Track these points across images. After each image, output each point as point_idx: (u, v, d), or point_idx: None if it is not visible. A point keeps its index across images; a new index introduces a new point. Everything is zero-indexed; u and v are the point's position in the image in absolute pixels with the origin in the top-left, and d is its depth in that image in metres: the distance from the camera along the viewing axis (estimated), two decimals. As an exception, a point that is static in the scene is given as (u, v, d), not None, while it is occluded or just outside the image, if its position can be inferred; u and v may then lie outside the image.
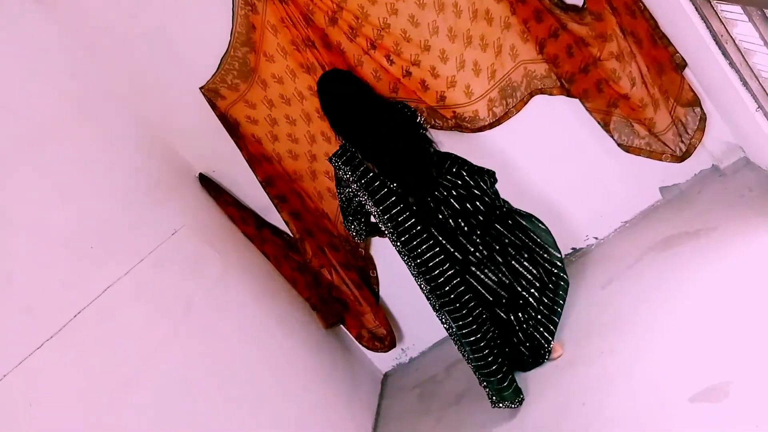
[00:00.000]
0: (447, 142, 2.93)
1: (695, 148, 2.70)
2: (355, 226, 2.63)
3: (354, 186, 2.46)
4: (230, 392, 2.45)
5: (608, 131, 2.79)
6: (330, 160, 2.50)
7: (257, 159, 3.06)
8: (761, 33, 1.71)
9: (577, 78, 2.73)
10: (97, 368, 1.96)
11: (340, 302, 3.26)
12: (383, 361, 3.53)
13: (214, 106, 2.98)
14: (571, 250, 3.18)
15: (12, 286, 1.86)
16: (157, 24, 2.85)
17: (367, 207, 2.49)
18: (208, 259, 2.86)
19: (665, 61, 2.57)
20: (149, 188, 2.78)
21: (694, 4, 1.99)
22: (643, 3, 2.50)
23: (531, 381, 2.55)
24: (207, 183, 3.11)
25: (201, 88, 2.94)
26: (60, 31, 2.79)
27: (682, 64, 2.56)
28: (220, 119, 3.00)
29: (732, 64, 2.04)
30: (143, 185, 2.75)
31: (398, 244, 2.49)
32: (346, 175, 2.46)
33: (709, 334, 2.06)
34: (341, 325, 3.34)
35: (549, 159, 3.00)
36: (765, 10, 1.74)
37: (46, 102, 2.46)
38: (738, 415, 1.72)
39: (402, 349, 3.48)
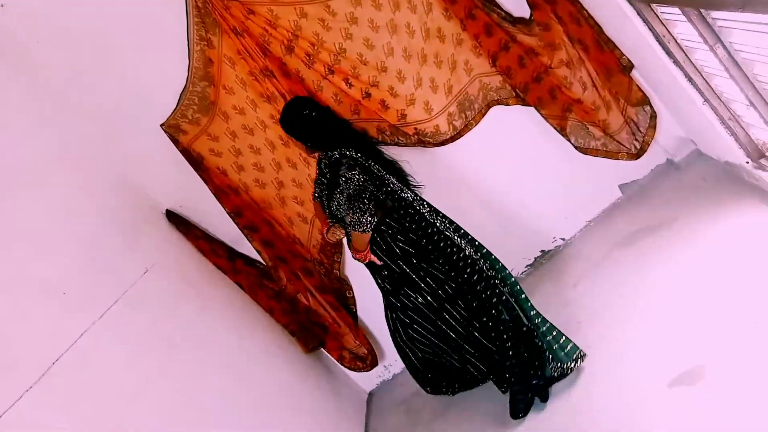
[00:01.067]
0: (412, 157, 2.99)
1: (649, 145, 2.81)
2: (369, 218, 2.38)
3: (368, 183, 2.38)
4: (216, 419, 2.43)
5: (565, 135, 2.88)
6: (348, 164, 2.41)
7: (224, 191, 3.06)
8: (700, 31, 1.82)
9: (531, 87, 2.83)
10: (80, 415, 1.93)
11: (319, 326, 3.26)
12: (367, 380, 3.54)
13: (176, 142, 2.98)
14: (540, 253, 3.27)
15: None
16: (118, 67, 2.84)
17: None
18: (184, 295, 2.84)
19: (612, 64, 2.68)
20: (119, 229, 2.75)
21: (635, 8, 2.09)
22: (586, 11, 2.61)
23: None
24: (175, 218, 3.09)
25: (162, 125, 2.94)
26: (20, 82, 2.76)
27: (629, 66, 2.68)
28: (183, 154, 3.00)
29: (676, 62, 2.15)
30: (113, 226, 2.72)
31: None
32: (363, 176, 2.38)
33: (680, 322, 2.15)
34: (322, 348, 3.33)
35: (511, 166, 3.09)
36: (701, 10, 1.85)
37: (14, 153, 2.44)
38: (714, 394, 1.79)
39: (384, 366, 3.49)
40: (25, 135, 2.57)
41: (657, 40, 2.15)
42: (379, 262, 2.47)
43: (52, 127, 2.76)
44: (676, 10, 1.95)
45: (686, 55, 2.11)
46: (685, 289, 2.26)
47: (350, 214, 2.35)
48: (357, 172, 2.35)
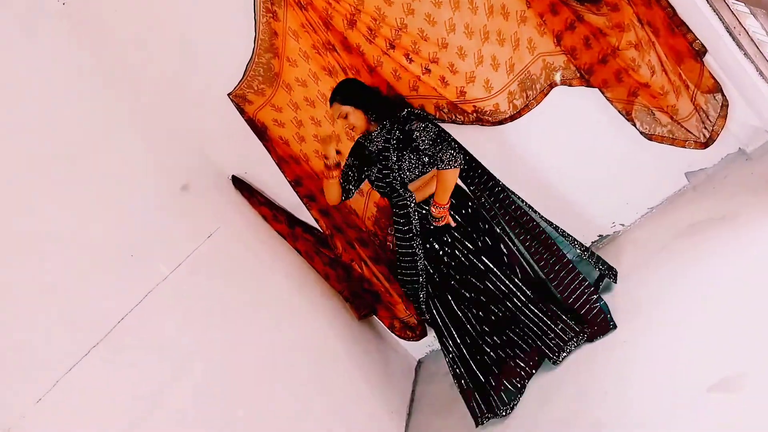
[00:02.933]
0: (469, 135, 2.99)
1: (718, 134, 2.68)
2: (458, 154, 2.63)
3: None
4: (270, 381, 2.59)
5: (630, 120, 2.78)
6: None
7: (286, 160, 3.17)
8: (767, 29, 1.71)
9: (596, 69, 2.73)
10: (141, 370, 2.11)
11: (371, 294, 3.36)
12: (417, 348, 3.64)
13: (242, 111, 3.10)
14: (598, 237, 3.20)
15: (57, 299, 2.01)
16: (183, 35, 2.96)
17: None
18: (244, 259, 3.00)
19: (684, 48, 2.55)
20: (186, 194, 2.91)
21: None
22: (659, -9, 2.48)
23: (553, 368, 2.61)
24: (240, 184, 3.24)
25: (229, 95, 3.06)
26: (89, 47, 2.92)
27: (702, 51, 2.53)
28: (248, 123, 3.11)
29: (747, 55, 2.03)
30: (178, 191, 2.89)
31: None
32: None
33: (729, 324, 2.08)
34: (374, 316, 3.44)
35: (571, 148, 3.01)
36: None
37: (79, 118, 2.60)
38: (753, 406, 1.75)
39: (434, 337, 3.56)
40: (89, 101, 2.73)
41: (727, 31, 2.03)
42: (453, 224, 2.64)
43: (119, 91, 2.92)
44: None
45: (758, 48, 1.98)
46: (740, 291, 2.18)
47: (443, 153, 2.50)
48: (430, 121, 2.62)
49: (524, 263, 2.76)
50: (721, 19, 1.99)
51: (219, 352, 2.47)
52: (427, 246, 2.73)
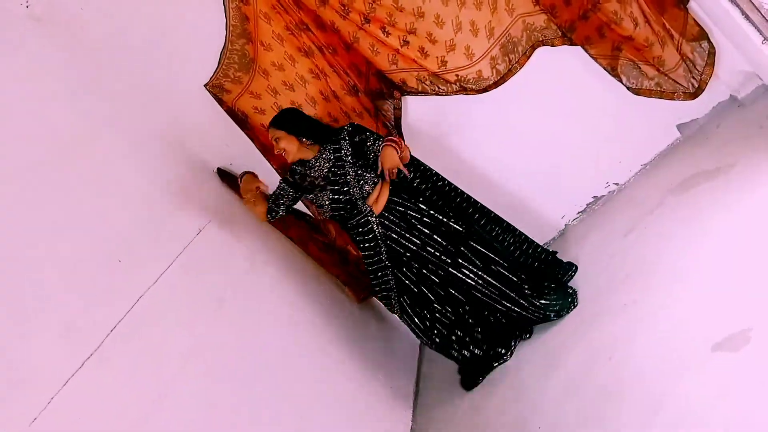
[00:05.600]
0: (453, 105, 2.93)
1: (706, 83, 2.61)
2: None
3: None
4: (272, 375, 2.55)
5: (616, 76, 2.72)
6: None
7: (269, 148, 3.10)
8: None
9: (578, 25, 2.65)
10: (139, 377, 2.07)
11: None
12: (420, 327, 3.60)
13: (220, 102, 3.03)
14: (593, 199, 3.16)
15: (46, 311, 1.96)
16: (154, 29, 2.87)
17: None
18: (237, 252, 2.94)
19: (666, -4, 2.47)
20: (170, 191, 2.84)
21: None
22: (635, -61, 2.39)
23: (557, 335, 2.57)
24: (225, 176, 3.17)
25: (206, 85, 2.98)
26: (63, 48, 2.84)
27: (685, -2, 2.46)
28: (228, 113, 3.04)
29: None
30: (164, 189, 2.82)
31: None
32: None
33: (731, 279, 2.03)
34: (373, 297, 3.40)
35: (559, 110, 2.95)
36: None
37: (57, 122, 2.52)
38: (759, 362, 1.71)
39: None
40: (67, 103, 2.64)
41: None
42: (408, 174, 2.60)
43: (95, 92, 2.83)
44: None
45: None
46: (740, 244, 2.13)
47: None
48: (372, 132, 2.67)
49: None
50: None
51: (218, 349, 2.42)
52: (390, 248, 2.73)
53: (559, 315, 2.62)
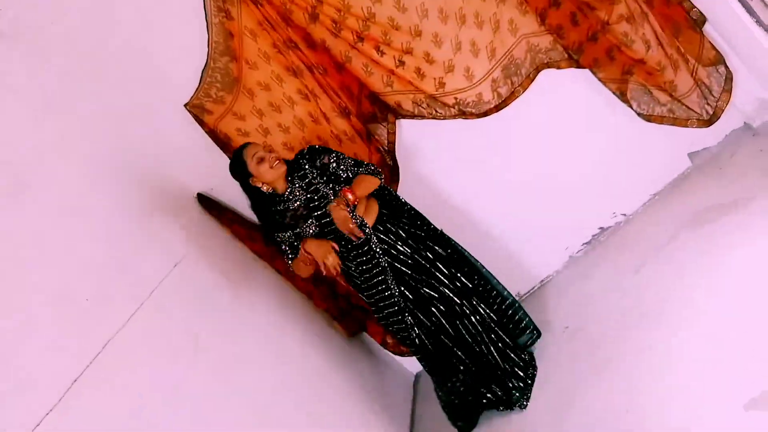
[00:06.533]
0: (453, 130, 2.76)
1: (723, 110, 2.45)
2: None
3: None
4: (258, 419, 2.33)
5: (626, 101, 2.56)
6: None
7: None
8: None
9: (586, 47, 2.49)
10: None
11: (360, 309, 3.12)
12: (413, 363, 3.38)
13: (201, 123, 2.82)
14: (599, 230, 2.98)
15: (3, 361, 1.74)
16: (132, 43, 2.67)
17: None
18: (217, 287, 2.73)
19: (681, 18, 2.32)
20: (143, 221, 2.62)
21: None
22: (650, -43, 2.25)
23: (567, 379, 2.38)
24: (207, 202, 2.96)
25: (186, 105, 2.78)
26: (28, 66, 2.62)
27: (701, 20, 2.30)
28: (209, 135, 2.84)
29: (759, 22, 1.80)
30: (136, 219, 2.60)
31: None
32: None
33: (759, 325, 1.86)
34: (364, 333, 3.20)
35: (564, 136, 2.78)
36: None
37: (18, 146, 2.31)
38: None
39: (430, 349, 3.33)
40: (30, 125, 2.43)
41: (738, -4, 1.79)
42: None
43: (64, 113, 2.61)
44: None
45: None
46: (765, 285, 1.96)
47: (366, 168, 2.48)
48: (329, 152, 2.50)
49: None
50: (730, -17, 1.76)
51: (199, 395, 2.20)
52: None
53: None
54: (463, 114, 2.73)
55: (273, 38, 2.63)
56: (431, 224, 2.62)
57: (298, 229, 2.47)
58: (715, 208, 2.43)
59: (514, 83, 2.67)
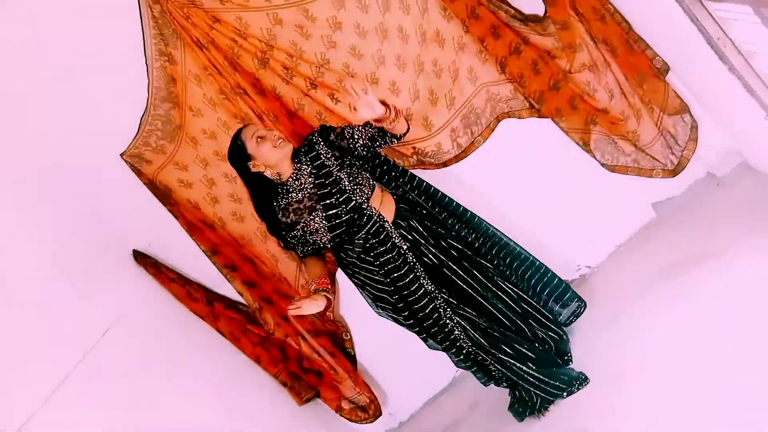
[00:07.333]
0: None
1: (688, 160, 2.43)
2: None
3: None
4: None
5: (589, 151, 2.50)
6: None
7: (197, 226, 2.67)
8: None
9: (548, 96, 2.43)
10: None
11: (313, 373, 2.89)
12: (372, 429, 3.16)
13: (139, 173, 2.59)
14: (563, 283, 2.87)
15: None
16: (62, 89, 2.45)
17: None
18: (155, 351, 2.47)
19: (645, 67, 2.29)
20: (76, 279, 2.36)
21: (680, 5, 1.68)
22: (612, 5, 2.21)
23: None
24: (144, 259, 2.71)
25: (122, 155, 2.56)
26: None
27: (665, 68, 2.28)
28: (148, 187, 2.61)
29: (732, 69, 1.74)
30: (68, 277, 2.34)
31: None
32: None
33: (742, 381, 1.75)
34: (318, 399, 2.96)
35: (525, 187, 2.71)
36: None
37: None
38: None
39: (390, 414, 3.11)
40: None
41: (708, 43, 1.74)
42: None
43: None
44: (735, 7, 1.54)
45: (747, 61, 1.70)
46: (743, 339, 1.87)
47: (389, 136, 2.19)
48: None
49: None
50: (700, 30, 1.70)
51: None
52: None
53: None
54: (422, 164, 2.62)
55: (220, 84, 2.47)
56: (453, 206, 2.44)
57: (302, 224, 2.20)
58: (684, 259, 2.36)
59: (474, 133, 2.59)
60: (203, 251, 2.66)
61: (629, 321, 2.33)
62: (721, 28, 1.66)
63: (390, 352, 2.95)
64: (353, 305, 2.82)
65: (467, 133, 2.58)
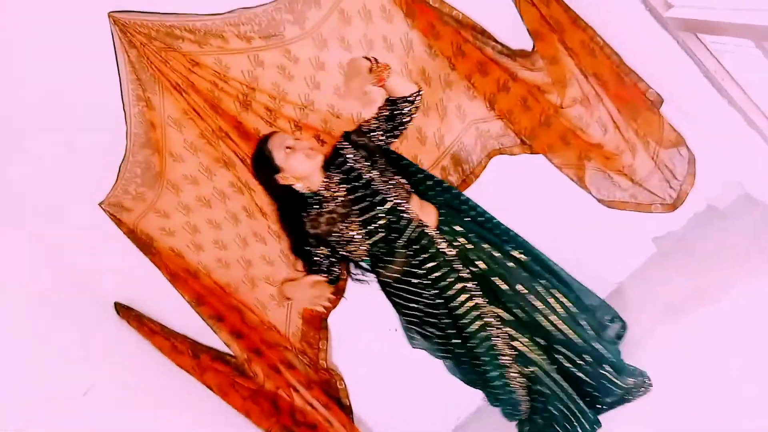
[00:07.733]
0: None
1: (687, 194, 2.35)
2: None
3: None
4: None
5: (584, 187, 2.42)
6: None
7: (180, 276, 2.57)
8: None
9: (539, 132, 2.37)
10: None
11: (307, 426, 2.75)
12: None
13: (119, 223, 2.50)
14: (563, 324, 2.77)
15: None
16: (37, 137, 2.37)
17: None
18: (138, 409, 2.34)
19: (638, 100, 2.22)
20: (51, 336, 2.25)
21: (675, 39, 1.62)
22: (601, 38, 2.16)
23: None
24: (125, 312, 2.60)
25: (100, 204, 2.47)
26: None
27: (658, 101, 2.21)
28: (128, 236, 2.51)
29: (732, 102, 1.68)
30: (41, 334, 2.23)
31: None
32: None
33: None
34: (313, 454, 2.83)
35: (519, 225, 2.59)
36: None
37: None
38: None
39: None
40: None
41: (705, 76, 1.67)
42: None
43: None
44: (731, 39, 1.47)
45: (746, 94, 1.63)
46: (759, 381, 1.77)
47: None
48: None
49: None
50: (697, 63, 1.64)
51: None
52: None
53: None
54: (412, 203, 2.53)
55: (201, 128, 2.39)
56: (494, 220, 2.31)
57: (335, 234, 2.05)
58: (686, 295, 2.28)
59: (465, 171, 2.52)
60: (188, 301, 2.56)
61: (631, 359, 2.22)
62: (718, 61, 1.60)
63: (388, 401, 2.84)
64: (347, 353, 2.75)
65: (458, 172, 2.52)
